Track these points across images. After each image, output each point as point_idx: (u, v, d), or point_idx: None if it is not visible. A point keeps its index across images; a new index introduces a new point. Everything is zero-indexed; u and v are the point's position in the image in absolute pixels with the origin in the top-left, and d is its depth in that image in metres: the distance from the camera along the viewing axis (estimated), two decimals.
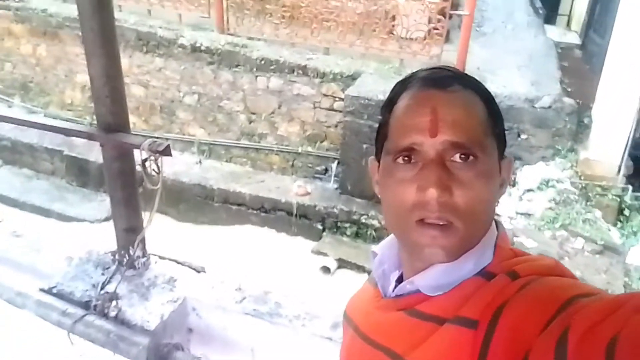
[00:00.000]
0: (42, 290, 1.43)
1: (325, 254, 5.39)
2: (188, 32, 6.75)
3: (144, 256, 1.50)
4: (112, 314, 1.38)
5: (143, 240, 1.49)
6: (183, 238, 5.38)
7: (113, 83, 1.26)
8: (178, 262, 1.55)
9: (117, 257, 1.49)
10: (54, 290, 1.45)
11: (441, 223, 0.67)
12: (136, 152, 1.31)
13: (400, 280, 0.80)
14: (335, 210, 5.74)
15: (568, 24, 8.95)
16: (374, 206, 5.65)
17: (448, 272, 0.70)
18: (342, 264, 5.34)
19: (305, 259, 5.38)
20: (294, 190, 5.99)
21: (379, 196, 0.77)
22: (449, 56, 6.21)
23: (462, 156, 0.68)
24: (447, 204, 0.66)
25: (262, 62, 6.33)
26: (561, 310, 0.57)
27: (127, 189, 1.42)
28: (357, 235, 5.63)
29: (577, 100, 5.72)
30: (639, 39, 4.89)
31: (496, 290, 0.66)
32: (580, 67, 6.95)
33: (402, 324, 0.74)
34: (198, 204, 6.20)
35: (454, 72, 0.74)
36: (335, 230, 5.73)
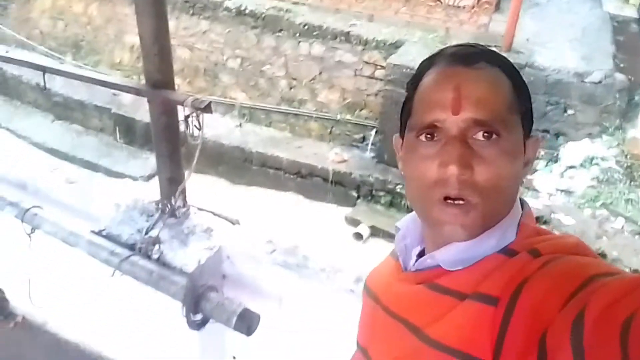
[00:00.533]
0: (92, 232, 1.57)
1: (358, 221, 5.47)
2: None
3: (184, 206, 1.61)
4: (155, 256, 1.50)
5: (184, 192, 1.59)
6: (221, 196, 5.57)
7: (161, 42, 1.34)
8: (215, 214, 1.65)
9: (160, 206, 1.61)
10: (104, 233, 1.58)
11: (461, 201, 0.68)
12: (180, 109, 1.40)
13: (421, 255, 0.81)
14: (370, 178, 5.78)
15: None
16: None
17: (469, 248, 0.71)
18: (375, 231, 5.42)
19: (338, 226, 5.48)
20: (331, 157, 6.06)
21: (402, 172, 0.78)
22: (497, 26, 6.04)
23: (485, 134, 0.67)
24: (467, 182, 0.67)
25: (306, 27, 6.33)
26: (580, 289, 0.57)
27: (171, 142, 1.51)
28: (391, 204, 5.68)
29: (630, 77, 5.49)
30: None
31: (517, 267, 0.66)
32: (636, 42, 6.61)
33: (422, 297, 0.75)
34: (237, 166, 6.37)
35: (481, 49, 0.73)
36: (369, 198, 5.79)
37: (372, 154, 6.04)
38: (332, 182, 5.91)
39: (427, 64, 0.75)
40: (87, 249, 1.53)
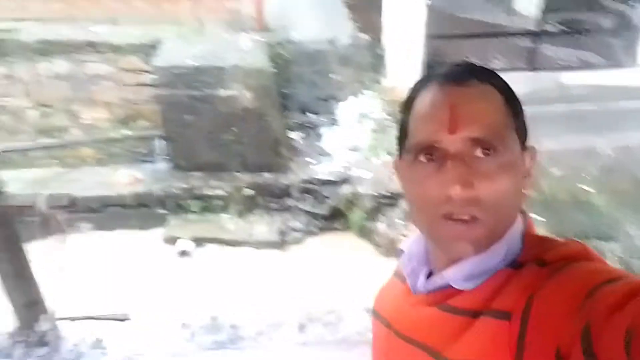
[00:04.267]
0: None
1: (177, 238, 5.12)
2: None
3: (53, 327, 1.25)
4: None
5: (49, 311, 1.23)
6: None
7: None
8: (94, 318, 1.32)
9: (18, 338, 1.22)
10: None
11: (466, 218, 0.69)
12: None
13: (429, 276, 0.81)
14: (173, 190, 5.43)
15: None
16: (213, 175, 5.51)
17: (477, 264, 0.72)
18: (198, 241, 5.16)
19: (159, 249, 5.04)
20: (121, 180, 5.47)
21: (403, 193, 0.78)
22: (246, 9, 6.13)
23: (484, 150, 0.69)
24: (470, 199, 0.68)
25: (40, 45, 5.44)
26: (588, 297, 0.59)
27: (16, 258, 1.14)
28: (204, 209, 5.46)
29: (370, 35, 6.23)
30: None
31: (526, 279, 0.68)
32: (363, 3, 7.50)
33: (436, 320, 0.75)
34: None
35: (471, 68, 0.75)
36: (179, 210, 5.46)
37: (166, 164, 5.67)
38: (132, 206, 5.37)
39: (420, 85, 0.76)
40: None
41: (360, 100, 6.16)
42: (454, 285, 0.73)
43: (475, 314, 0.70)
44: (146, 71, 5.56)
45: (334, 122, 6.04)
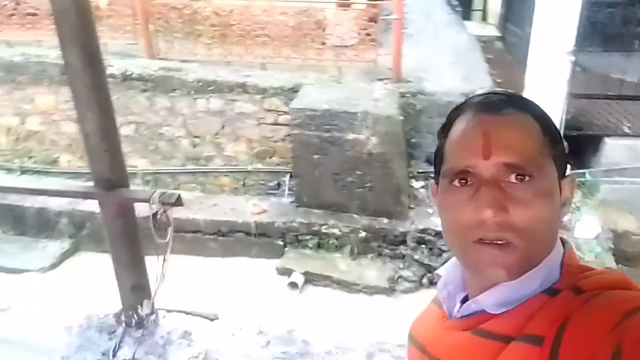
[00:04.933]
0: None
1: (290, 270, 5.34)
2: (116, 61, 6.47)
3: (152, 313, 1.41)
4: None
5: (149, 297, 1.40)
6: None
7: (110, 138, 1.19)
8: (188, 313, 1.47)
9: (123, 318, 1.40)
10: None
11: (500, 242, 0.68)
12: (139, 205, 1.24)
13: (465, 301, 0.81)
14: (294, 224, 5.70)
15: (484, 18, 9.45)
16: (332, 215, 5.67)
17: (512, 290, 0.71)
18: (309, 277, 5.31)
19: (271, 278, 5.30)
20: (249, 209, 5.89)
21: (439, 217, 0.78)
22: (384, 60, 6.37)
23: (518, 176, 0.69)
24: (504, 223, 0.68)
25: (199, 83, 6.20)
26: (620, 322, 0.58)
27: (131, 247, 1.33)
28: (319, 246, 5.62)
29: (509, 90, 6.05)
30: (558, 28, 5.25)
31: (560, 306, 0.67)
32: (504, 58, 7.36)
33: (469, 344, 0.75)
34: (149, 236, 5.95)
35: (507, 96, 0.76)
36: (297, 244, 5.70)
37: (291, 199, 5.99)
38: (255, 234, 5.74)
39: (456, 112, 0.78)
40: None
41: None
42: (487, 311, 0.73)
43: (508, 339, 0.69)
44: (285, 112, 6.01)
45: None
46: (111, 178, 1.23)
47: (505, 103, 0.73)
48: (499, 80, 6.39)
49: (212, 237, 5.85)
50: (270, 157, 6.29)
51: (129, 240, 1.30)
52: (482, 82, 6.30)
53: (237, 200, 6.15)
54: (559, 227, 0.75)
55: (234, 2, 6.48)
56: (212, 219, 5.86)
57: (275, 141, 6.23)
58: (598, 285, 0.68)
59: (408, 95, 6.07)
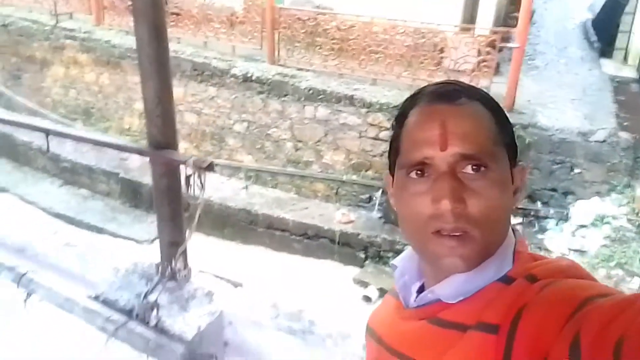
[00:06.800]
0: (89, 297, 1.51)
1: (367, 283, 5.33)
2: (240, 63, 7.01)
3: (185, 269, 1.56)
4: (153, 322, 1.43)
5: (185, 254, 1.55)
6: (227, 258, 5.48)
7: (164, 105, 1.36)
8: (216, 277, 1.59)
9: (160, 269, 1.56)
10: (100, 298, 1.52)
11: (457, 234, 0.68)
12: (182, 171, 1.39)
13: (421, 290, 0.81)
14: (378, 239, 5.70)
15: (625, 58, 8.67)
16: None
17: (468, 280, 0.71)
18: (384, 293, 5.26)
19: (346, 287, 5.33)
20: (337, 218, 6.00)
21: (395, 209, 0.78)
22: (498, 88, 6.15)
23: (474, 167, 0.69)
24: (461, 214, 0.68)
25: (310, 92, 6.47)
26: (575, 312, 0.58)
27: (173, 204, 1.49)
28: None
29: (634, 135, 5.51)
30: None
31: (515, 294, 0.66)
32: (637, 101, 6.70)
33: (425, 333, 0.74)
34: (243, 228, 6.31)
35: (461, 86, 0.75)
36: (377, 259, 5.68)
37: (379, 215, 5.99)
38: (338, 243, 5.83)
39: (410, 103, 0.77)
40: (82, 315, 1.46)
41: (604, 203, 5.44)
42: (444, 300, 0.73)
43: (464, 328, 0.69)
44: (387, 128, 6.05)
45: (563, 218, 5.47)
46: (161, 140, 1.40)
47: (459, 92, 0.73)
48: (625, 124, 5.84)
49: (298, 238, 6.04)
50: (366, 170, 6.35)
51: (172, 198, 1.45)
52: (605, 124, 5.81)
53: (327, 207, 6.30)
54: (511, 216, 0.74)
55: (357, 19, 6.69)
56: (301, 220, 6.06)
57: (374, 155, 6.29)
58: (551, 273, 0.67)
59: (517, 126, 5.78)
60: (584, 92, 6.78)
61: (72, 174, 7.44)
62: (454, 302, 0.72)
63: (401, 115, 0.78)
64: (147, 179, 6.68)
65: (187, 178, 1.37)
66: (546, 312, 0.60)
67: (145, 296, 1.49)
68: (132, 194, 6.97)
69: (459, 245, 0.68)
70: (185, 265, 1.57)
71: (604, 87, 7.07)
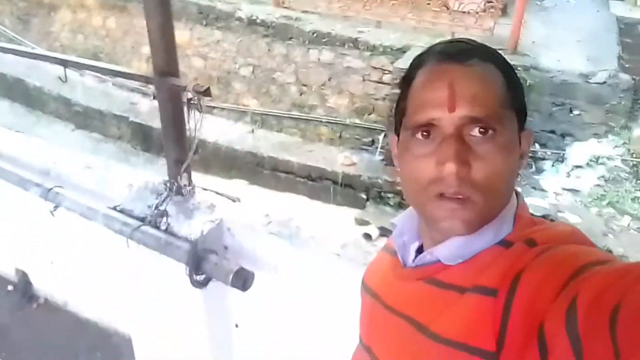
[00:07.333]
0: (108, 207, 1.74)
1: (368, 223, 5.58)
2: (245, 5, 7.03)
3: (189, 185, 1.77)
4: (163, 227, 1.65)
5: (189, 172, 1.75)
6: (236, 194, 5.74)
7: (167, 38, 1.51)
8: (217, 193, 1.81)
9: (168, 185, 1.77)
10: (118, 208, 1.75)
11: (460, 197, 0.68)
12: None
13: (420, 251, 0.81)
14: (379, 180, 5.90)
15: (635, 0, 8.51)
16: None
17: (468, 243, 0.71)
18: (384, 232, 5.51)
19: (348, 226, 5.59)
20: (340, 160, 6.20)
21: (398, 170, 0.77)
22: (503, 30, 6.16)
23: (481, 130, 0.67)
24: (465, 179, 0.67)
25: (315, 35, 6.52)
26: (573, 277, 0.58)
27: (177, 126, 1.67)
28: (400, 205, 5.77)
29: (634, 77, 5.55)
30: None
31: (514, 258, 0.67)
32: None
33: (423, 293, 0.75)
34: (249, 170, 6.54)
35: (472, 45, 0.73)
36: (379, 200, 5.91)
37: (381, 157, 6.17)
38: (341, 184, 6.04)
39: (418, 62, 0.75)
40: (102, 221, 1.68)
41: (600, 145, 5.57)
42: (443, 262, 0.74)
43: (462, 290, 0.70)
44: (390, 71, 6.13)
45: (560, 159, 5.62)
46: (164, 69, 1.56)
47: (470, 52, 0.70)
48: (627, 66, 5.86)
49: (302, 179, 6.27)
50: (369, 114, 6.48)
51: (176, 120, 1.64)
52: (606, 65, 5.84)
53: (331, 150, 6.48)
54: (515, 180, 0.74)
55: None
56: (305, 163, 6.27)
57: (376, 99, 6.39)
58: (551, 237, 0.68)
59: (520, 68, 5.82)
60: (589, 34, 6.74)
61: (84, 118, 7.65)
62: (453, 264, 0.73)
63: (408, 75, 0.76)
64: (156, 122, 6.86)
65: (188, 101, 1.55)
66: (544, 277, 0.61)
67: (157, 207, 1.71)
68: (143, 138, 7.19)
69: (461, 208, 0.68)
70: (190, 182, 1.78)
71: (610, 28, 7.02)
